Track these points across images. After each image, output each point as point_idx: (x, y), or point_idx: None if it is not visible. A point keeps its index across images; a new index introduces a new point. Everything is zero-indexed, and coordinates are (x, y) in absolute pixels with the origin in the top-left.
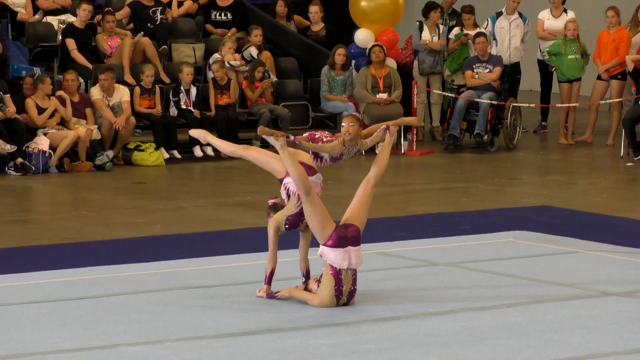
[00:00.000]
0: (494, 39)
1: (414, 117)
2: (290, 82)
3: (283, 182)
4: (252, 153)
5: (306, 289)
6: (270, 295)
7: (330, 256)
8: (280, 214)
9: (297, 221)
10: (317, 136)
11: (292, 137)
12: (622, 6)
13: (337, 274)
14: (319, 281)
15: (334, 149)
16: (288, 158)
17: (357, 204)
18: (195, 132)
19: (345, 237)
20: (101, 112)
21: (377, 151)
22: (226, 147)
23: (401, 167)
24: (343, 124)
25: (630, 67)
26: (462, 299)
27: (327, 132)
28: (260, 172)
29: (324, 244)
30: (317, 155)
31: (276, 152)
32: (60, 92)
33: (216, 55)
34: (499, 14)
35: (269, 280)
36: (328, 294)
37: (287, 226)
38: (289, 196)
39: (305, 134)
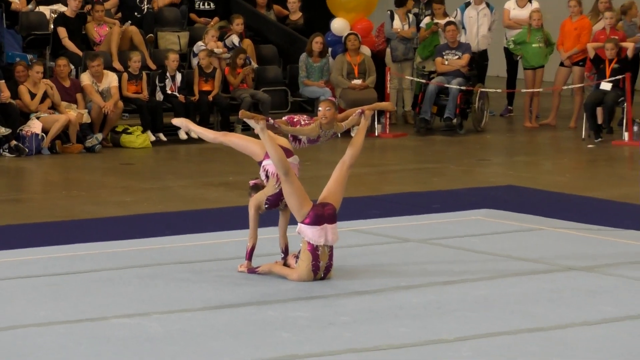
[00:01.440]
0: (463, 27)
1: (388, 102)
2: (270, 68)
3: (262, 164)
4: (232, 138)
5: (285, 264)
6: (251, 270)
7: (308, 233)
8: (261, 194)
9: (276, 201)
10: (295, 119)
11: (271, 121)
12: None
13: (314, 250)
14: (297, 257)
15: (311, 132)
16: (268, 140)
17: (333, 184)
18: (177, 121)
19: (322, 215)
20: (91, 97)
21: (352, 134)
22: (207, 134)
23: (375, 149)
24: (320, 108)
25: (591, 54)
26: (432, 274)
27: (305, 116)
28: (241, 154)
29: (302, 222)
30: (295, 138)
31: (256, 135)
32: (46, 81)
33: (200, 44)
34: (468, 4)
35: (249, 256)
36: (305, 269)
37: (267, 205)
38: (268, 177)
39: (284, 118)
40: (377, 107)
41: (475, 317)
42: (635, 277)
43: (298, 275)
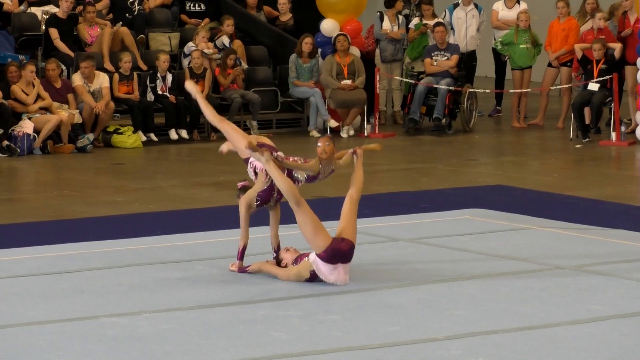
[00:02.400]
0: (452, 28)
1: (376, 144)
2: (261, 69)
3: (249, 162)
4: (226, 126)
5: (277, 260)
6: (242, 270)
7: (320, 268)
8: (251, 191)
9: (267, 197)
10: (292, 160)
11: (275, 153)
12: None
13: (315, 275)
14: (294, 261)
15: (311, 168)
16: (275, 171)
17: (347, 216)
18: (189, 86)
19: (339, 251)
20: (82, 97)
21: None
22: (207, 111)
23: None
24: (319, 144)
25: (579, 54)
26: (421, 273)
27: (302, 158)
28: (232, 154)
29: (318, 255)
30: (292, 176)
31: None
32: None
33: (190, 44)
34: (456, 5)
35: (241, 255)
36: (296, 278)
37: (258, 202)
38: (256, 174)
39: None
40: (366, 148)
41: (465, 316)
42: (624, 276)
43: (287, 278)
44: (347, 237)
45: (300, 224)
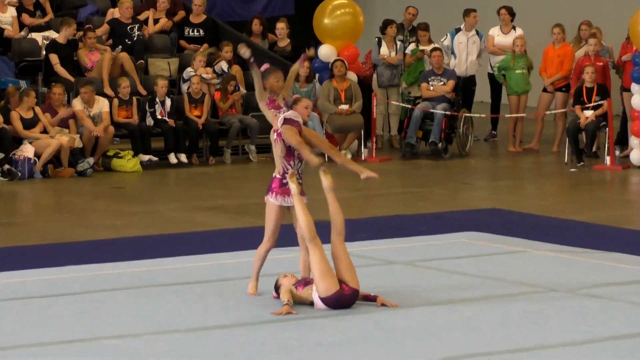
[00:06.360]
0: (452, 52)
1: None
2: None
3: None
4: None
5: (275, 286)
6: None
7: (320, 307)
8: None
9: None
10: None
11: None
12: (566, 23)
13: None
14: (297, 287)
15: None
16: (300, 205)
17: (343, 259)
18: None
19: (343, 302)
20: (82, 122)
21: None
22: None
23: None
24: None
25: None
26: (418, 296)
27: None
28: (230, 178)
29: (320, 298)
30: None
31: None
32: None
33: (189, 70)
34: (458, 30)
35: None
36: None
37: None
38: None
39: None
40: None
41: (461, 339)
42: (619, 299)
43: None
44: (352, 284)
45: (311, 261)
